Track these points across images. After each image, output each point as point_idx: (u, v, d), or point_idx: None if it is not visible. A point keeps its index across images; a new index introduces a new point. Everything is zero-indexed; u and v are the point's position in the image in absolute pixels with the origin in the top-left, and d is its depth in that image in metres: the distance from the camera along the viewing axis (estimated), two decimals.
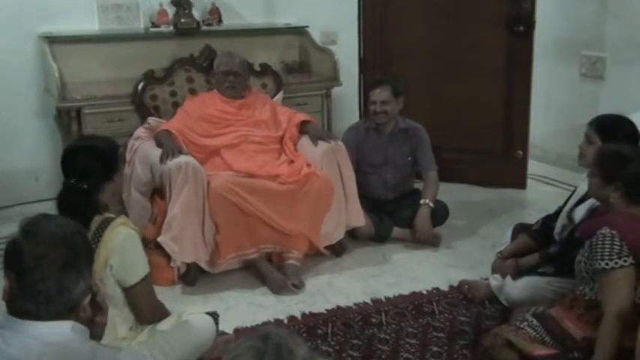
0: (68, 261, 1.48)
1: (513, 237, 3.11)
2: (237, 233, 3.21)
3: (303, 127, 3.68)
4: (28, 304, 1.46)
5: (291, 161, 3.48)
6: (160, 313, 2.32)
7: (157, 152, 3.33)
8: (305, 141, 3.60)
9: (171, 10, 4.24)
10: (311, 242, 3.38)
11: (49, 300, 1.46)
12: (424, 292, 3.14)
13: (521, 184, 4.55)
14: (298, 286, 3.17)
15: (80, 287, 1.50)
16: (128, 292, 2.15)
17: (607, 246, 2.17)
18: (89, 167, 2.17)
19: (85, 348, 1.49)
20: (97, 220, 2.10)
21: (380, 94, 3.68)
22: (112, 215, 2.15)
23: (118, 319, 2.17)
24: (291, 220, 3.28)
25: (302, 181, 3.33)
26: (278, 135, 3.63)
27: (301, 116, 3.72)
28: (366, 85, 4.62)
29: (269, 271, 3.24)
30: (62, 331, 1.47)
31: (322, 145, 3.49)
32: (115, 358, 1.57)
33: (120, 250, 2.08)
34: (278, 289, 3.15)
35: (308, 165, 3.42)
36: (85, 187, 2.12)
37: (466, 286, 3.11)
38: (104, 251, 2.04)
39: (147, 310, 2.23)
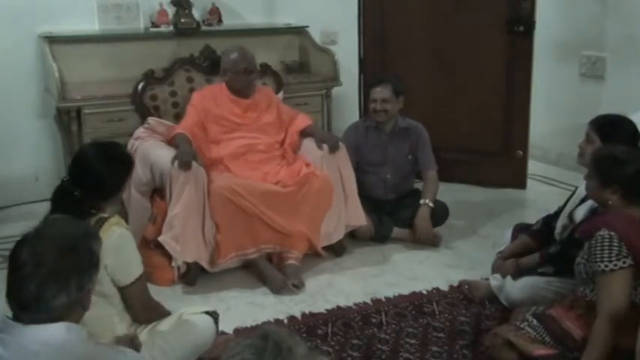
0: (54, 271, 1.48)
1: (513, 237, 3.11)
2: (238, 233, 3.20)
3: (305, 130, 3.64)
4: (12, 304, 1.48)
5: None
6: (156, 311, 2.32)
7: (158, 152, 3.33)
8: (306, 142, 3.59)
9: (171, 10, 4.24)
10: (310, 242, 3.37)
11: (27, 306, 1.47)
12: (424, 292, 3.14)
13: (521, 184, 4.55)
14: (298, 286, 3.17)
15: (61, 300, 1.48)
16: (123, 291, 2.16)
17: (606, 248, 2.16)
18: (95, 188, 2.18)
19: (80, 347, 1.50)
20: (92, 220, 2.10)
21: (381, 92, 3.68)
22: (105, 215, 2.15)
23: (116, 317, 2.17)
24: (292, 220, 3.27)
25: (302, 182, 3.32)
26: (281, 137, 3.60)
27: (303, 121, 3.66)
28: (366, 85, 4.62)
29: (269, 270, 3.24)
30: (57, 332, 1.48)
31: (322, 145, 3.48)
32: (110, 356, 1.57)
33: (114, 250, 2.08)
34: (278, 289, 3.15)
35: (307, 165, 3.42)
36: (76, 194, 2.13)
37: (466, 286, 3.11)
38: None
39: (141, 308, 2.24)
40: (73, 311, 1.53)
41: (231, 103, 3.54)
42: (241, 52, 3.55)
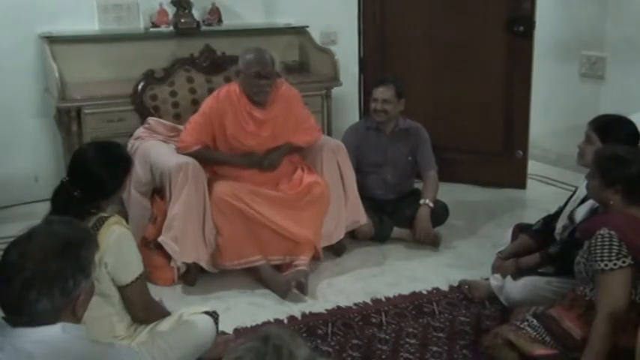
0: (37, 274, 1.46)
1: (513, 237, 3.11)
2: (241, 239, 3.18)
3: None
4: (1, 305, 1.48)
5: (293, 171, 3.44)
6: (156, 311, 2.32)
7: (158, 152, 3.33)
8: None
9: (171, 10, 4.24)
10: (316, 247, 3.34)
11: (10, 309, 1.46)
12: (424, 292, 3.14)
13: (521, 184, 4.55)
14: (304, 290, 3.11)
15: (43, 305, 1.46)
16: (123, 290, 2.16)
17: (606, 247, 2.16)
18: (94, 188, 2.18)
19: (76, 346, 1.49)
20: (92, 219, 2.10)
21: (383, 92, 3.68)
22: (105, 214, 2.15)
23: (115, 317, 2.17)
24: (297, 225, 3.25)
25: (305, 191, 3.32)
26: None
27: (301, 139, 3.48)
28: (366, 85, 4.63)
29: (273, 275, 3.20)
30: (53, 333, 1.47)
31: (322, 145, 3.47)
32: (107, 353, 1.57)
33: (114, 249, 2.09)
34: (284, 293, 3.10)
35: (310, 169, 3.41)
36: (76, 194, 2.13)
37: (466, 286, 3.11)
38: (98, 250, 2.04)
39: (141, 308, 2.24)
40: (59, 317, 1.49)
41: (247, 116, 3.30)
42: (257, 54, 3.29)
